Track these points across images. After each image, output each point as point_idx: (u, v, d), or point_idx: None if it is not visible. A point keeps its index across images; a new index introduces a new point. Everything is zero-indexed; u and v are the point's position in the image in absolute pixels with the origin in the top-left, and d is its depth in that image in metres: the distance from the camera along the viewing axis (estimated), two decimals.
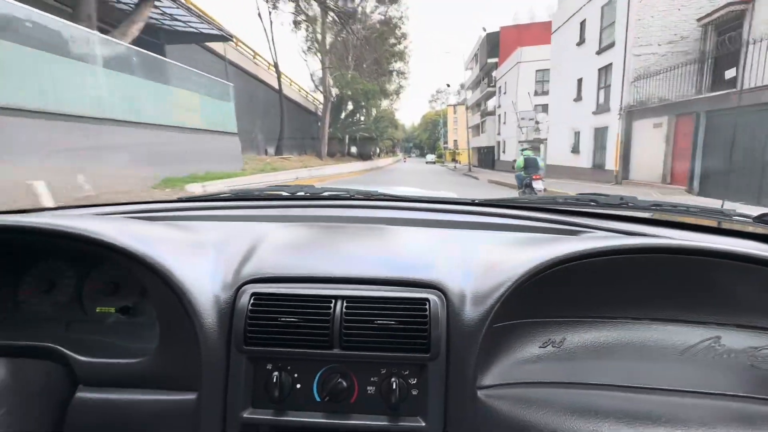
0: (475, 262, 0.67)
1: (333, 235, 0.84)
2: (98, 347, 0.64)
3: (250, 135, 17.20)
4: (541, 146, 19.04)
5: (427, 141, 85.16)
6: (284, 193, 1.17)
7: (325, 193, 1.16)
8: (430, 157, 65.12)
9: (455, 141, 67.84)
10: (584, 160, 14.94)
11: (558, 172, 15.89)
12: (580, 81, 15.38)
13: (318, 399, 0.58)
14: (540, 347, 0.64)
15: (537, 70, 22.26)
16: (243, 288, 0.62)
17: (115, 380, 0.60)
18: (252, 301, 0.59)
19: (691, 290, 0.63)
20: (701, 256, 0.60)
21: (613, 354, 0.63)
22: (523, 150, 7.82)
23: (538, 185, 6.70)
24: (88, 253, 0.70)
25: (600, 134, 13.89)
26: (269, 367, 0.59)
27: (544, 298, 0.64)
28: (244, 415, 0.57)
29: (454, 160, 54.52)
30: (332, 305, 0.58)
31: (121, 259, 0.61)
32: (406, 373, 0.58)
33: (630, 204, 1.00)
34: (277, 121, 20.74)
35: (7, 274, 0.74)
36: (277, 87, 21.32)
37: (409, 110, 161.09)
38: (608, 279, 0.64)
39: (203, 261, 0.65)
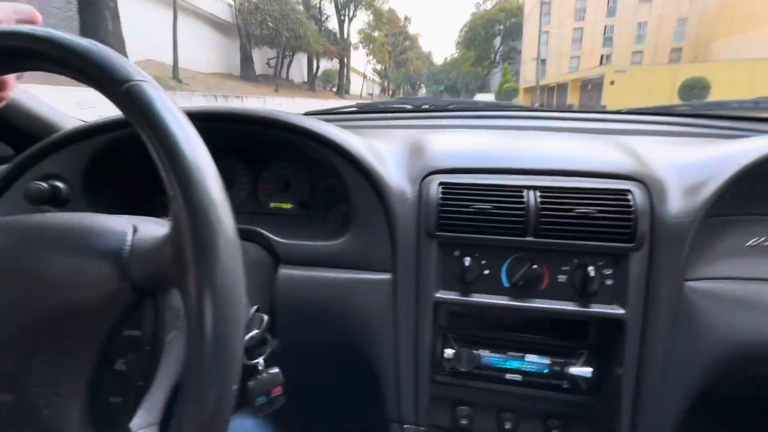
0: (673, 158, 0.66)
1: (499, 135, 0.87)
2: (287, 233, 0.69)
3: None
4: None
5: (472, 70, 49.74)
6: (409, 106, 1.22)
7: (451, 105, 1.20)
8: (485, 99, 30.95)
9: (543, 62, 33.47)
10: None
11: None
12: None
13: (507, 284, 0.62)
14: (750, 245, 0.64)
15: None
16: (428, 178, 0.65)
17: (312, 261, 0.66)
18: (441, 189, 0.63)
19: None
20: None
21: None
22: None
23: None
24: (265, 152, 0.80)
25: None
26: (457, 253, 0.63)
27: (755, 195, 0.64)
28: (436, 295, 0.63)
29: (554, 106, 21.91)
30: (525, 194, 0.61)
31: (324, 152, 0.66)
32: (601, 263, 0.61)
33: None
34: None
35: None
36: None
37: (437, 42, 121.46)
38: None
39: (383, 154, 0.69)
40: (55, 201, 0.67)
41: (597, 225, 0.59)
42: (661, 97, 15.00)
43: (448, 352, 0.64)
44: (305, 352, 0.69)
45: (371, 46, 38.29)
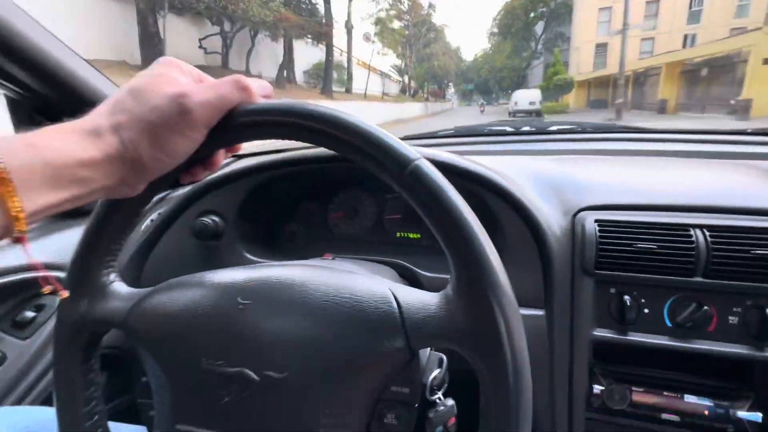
0: None
1: (638, 165, 0.85)
2: (420, 265, 0.70)
3: None
4: None
5: (508, 64, 42.87)
6: (509, 128, 1.19)
7: (554, 128, 1.18)
8: (529, 96, 24.35)
9: (602, 47, 26.72)
10: None
11: None
12: None
13: (669, 324, 0.61)
14: None
15: None
16: (580, 214, 0.65)
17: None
18: (598, 227, 0.63)
19: None
20: None
21: None
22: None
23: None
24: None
25: None
26: (613, 291, 0.62)
27: None
28: (594, 333, 0.62)
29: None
30: (693, 233, 0.60)
31: (470, 187, 0.66)
32: None
33: None
34: None
35: (319, 201, 0.87)
36: None
37: (467, 38, 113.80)
38: None
39: (523, 186, 0.68)
40: (214, 235, 0.72)
41: None
42: None
43: (597, 388, 0.63)
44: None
45: (378, 28, 32.05)
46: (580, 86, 25.42)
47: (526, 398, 0.29)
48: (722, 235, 0.59)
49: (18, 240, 0.26)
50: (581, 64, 27.91)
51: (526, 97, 25.08)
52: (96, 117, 0.29)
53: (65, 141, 0.27)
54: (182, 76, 0.32)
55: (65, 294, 0.36)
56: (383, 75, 34.44)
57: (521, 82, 41.78)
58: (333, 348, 0.32)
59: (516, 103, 25.03)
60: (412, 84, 44.24)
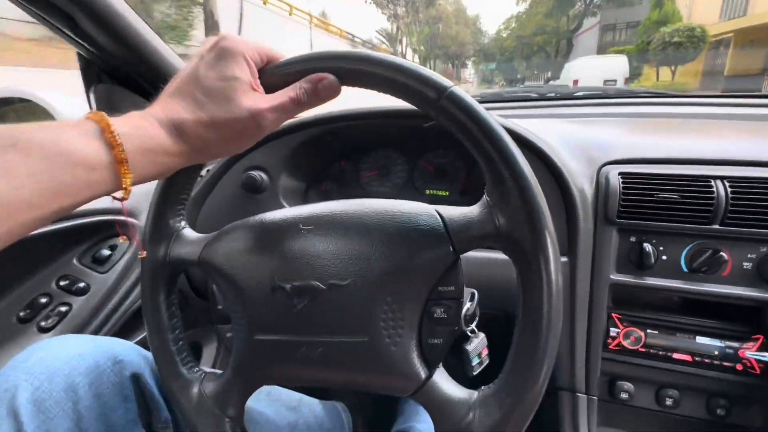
0: None
1: (659, 125, 0.90)
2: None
3: None
4: None
5: (547, 27, 30.46)
6: (534, 95, 1.24)
7: (579, 93, 1.21)
8: (602, 67, 11.32)
9: None
10: None
11: None
12: None
13: (685, 269, 0.65)
14: None
15: None
16: (605, 168, 0.70)
17: (482, 244, 0.67)
18: (621, 179, 0.67)
19: None
20: None
21: None
22: None
23: None
24: (423, 142, 0.86)
25: None
26: (633, 239, 0.67)
27: None
28: (612, 277, 0.67)
29: None
30: (713, 184, 0.63)
31: None
32: None
33: None
34: None
35: (352, 160, 0.93)
36: None
37: (489, 5, 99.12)
38: None
39: (551, 144, 0.71)
40: (260, 189, 0.79)
41: None
42: None
43: (614, 331, 0.69)
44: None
45: None
46: (709, 48, 13.55)
47: (557, 281, 0.32)
48: (741, 185, 0.61)
49: (120, 200, 0.33)
50: (692, 11, 15.80)
51: (598, 70, 13.47)
52: (178, 108, 0.34)
53: (161, 134, 0.33)
54: (251, 75, 0.36)
55: (144, 254, 0.44)
56: (354, 41, 22.85)
57: (564, 55, 29.44)
58: (387, 257, 0.38)
59: (576, 83, 13.52)
60: (413, 56, 32.37)
